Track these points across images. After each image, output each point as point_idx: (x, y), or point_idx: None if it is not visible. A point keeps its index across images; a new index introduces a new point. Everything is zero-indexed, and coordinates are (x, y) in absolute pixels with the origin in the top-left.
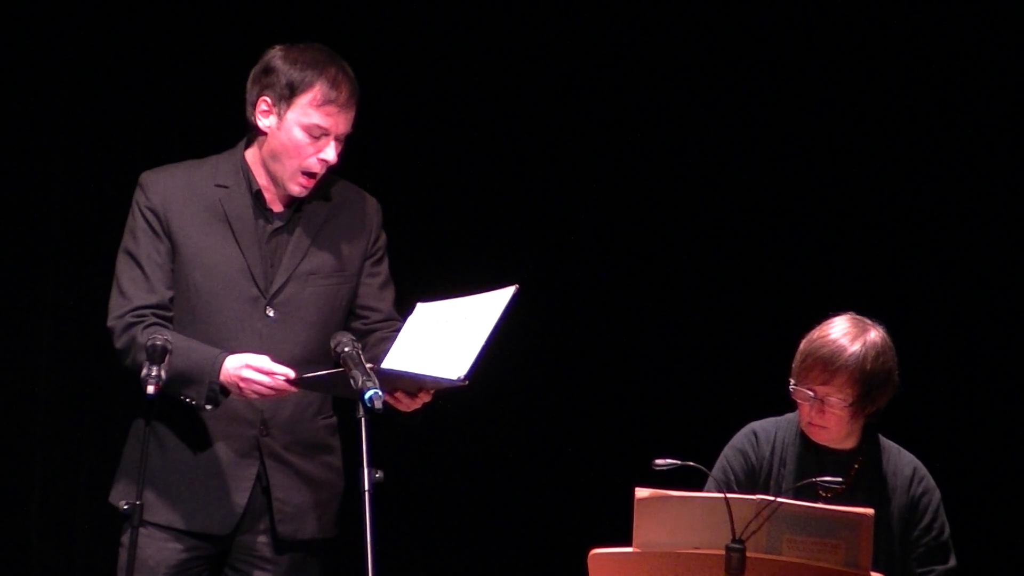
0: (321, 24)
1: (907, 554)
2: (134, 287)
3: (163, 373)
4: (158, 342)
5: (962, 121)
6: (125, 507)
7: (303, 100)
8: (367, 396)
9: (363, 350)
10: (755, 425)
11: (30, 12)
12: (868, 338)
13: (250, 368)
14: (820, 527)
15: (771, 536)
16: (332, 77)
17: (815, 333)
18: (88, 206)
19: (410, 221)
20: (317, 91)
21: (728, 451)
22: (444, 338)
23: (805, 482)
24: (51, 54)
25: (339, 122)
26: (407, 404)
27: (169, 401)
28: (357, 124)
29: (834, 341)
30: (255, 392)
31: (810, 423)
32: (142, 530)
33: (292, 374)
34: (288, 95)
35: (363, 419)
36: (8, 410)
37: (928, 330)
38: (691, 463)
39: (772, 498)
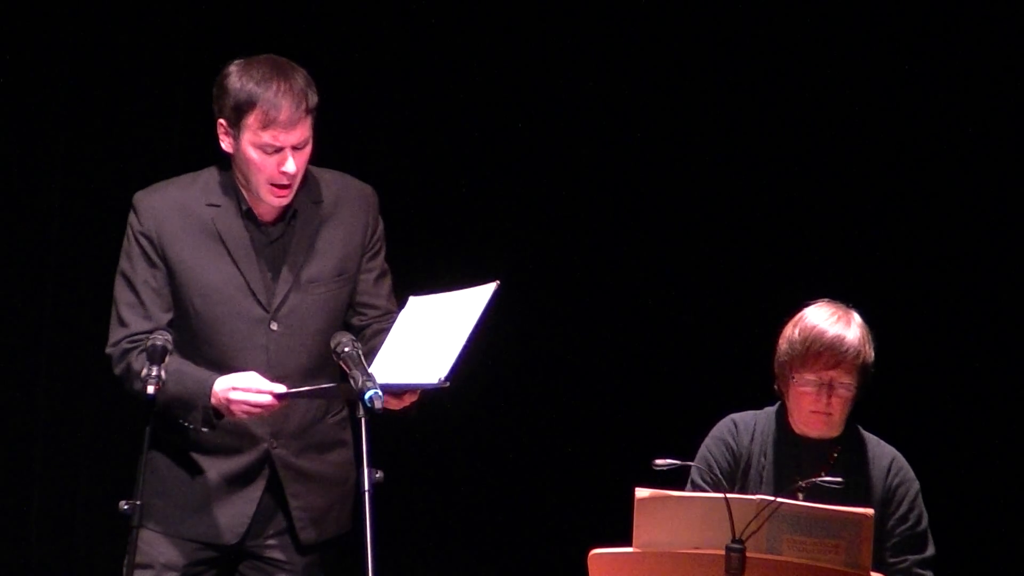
0: (313, 24)
1: (882, 544)
2: (131, 313)
3: (163, 373)
4: (158, 342)
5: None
6: (125, 507)
7: (249, 121)
8: (367, 396)
9: (361, 342)
10: (735, 416)
11: (30, 16)
12: (855, 321)
13: (236, 389)
14: (820, 527)
15: (771, 536)
16: (272, 97)
17: (805, 322)
18: (88, 209)
19: (405, 214)
20: (259, 112)
21: (709, 441)
22: (428, 337)
23: (806, 482)
24: (47, 59)
25: (289, 137)
26: (394, 404)
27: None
28: (353, 118)
29: (831, 326)
30: (244, 412)
31: (814, 412)
32: (151, 534)
33: (279, 390)
34: (235, 119)
35: (363, 419)
36: (8, 410)
37: (904, 321)
38: (691, 463)
39: (772, 498)
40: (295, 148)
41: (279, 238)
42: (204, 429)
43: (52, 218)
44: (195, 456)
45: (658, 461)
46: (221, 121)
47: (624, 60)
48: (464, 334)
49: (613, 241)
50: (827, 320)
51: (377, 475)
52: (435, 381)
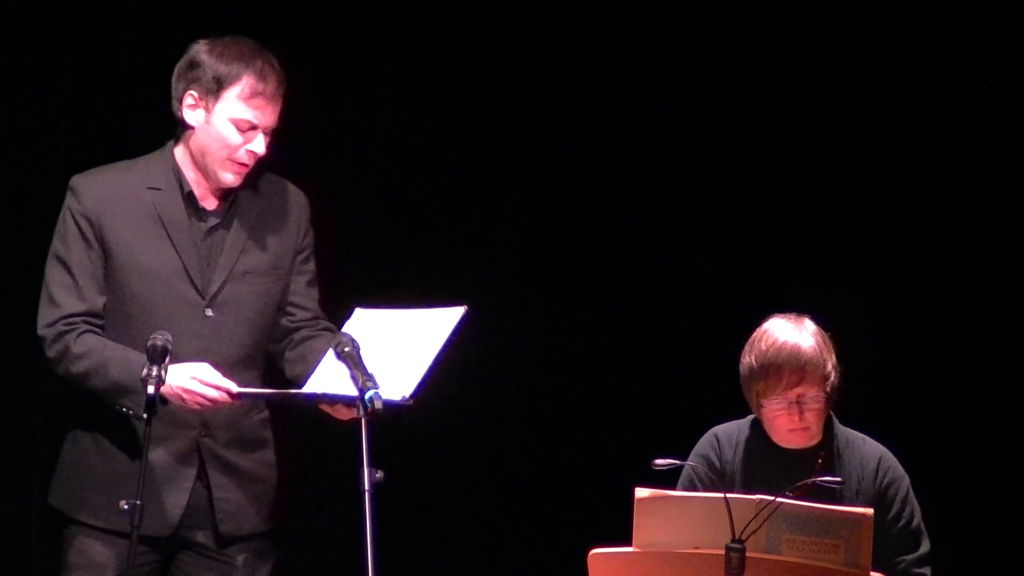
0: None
1: (877, 544)
2: (65, 294)
3: (163, 373)
4: (158, 342)
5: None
6: (126, 507)
7: (231, 93)
8: (368, 396)
9: (290, 348)
10: (717, 430)
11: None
12: (808, 329)
13: (196, 380)
14: (820, 527)
15: (771, 536)
16: (259, 69)
17: (759, 345)
18: None
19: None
20: (245, 83)
21: (692, 458)
22: (386, 352)
23: (805, 482)
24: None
25: (267, 114)
26: (345, 414)
27: (106, 406)
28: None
29: (786, 342)
30: (198, 404)
31: (791, 431)
32: (85, 531)
33: (235, 388)
34: (215, 89)
35: (363, 419)
36: (8, 410)
37: (903, 316)
38: (691, 463)
39: (772, 498)
40: (265, 132)
41: (219, 224)
42: (144, 415)
43: (52, 218)
44: (127, 449)
45: (658, 461)
46: (192, 92)
47: (604, 76)
48: (430, 355)
49: (612, 239)
50: (780, 336)
51: (377, 475)
52: (398, 399)
